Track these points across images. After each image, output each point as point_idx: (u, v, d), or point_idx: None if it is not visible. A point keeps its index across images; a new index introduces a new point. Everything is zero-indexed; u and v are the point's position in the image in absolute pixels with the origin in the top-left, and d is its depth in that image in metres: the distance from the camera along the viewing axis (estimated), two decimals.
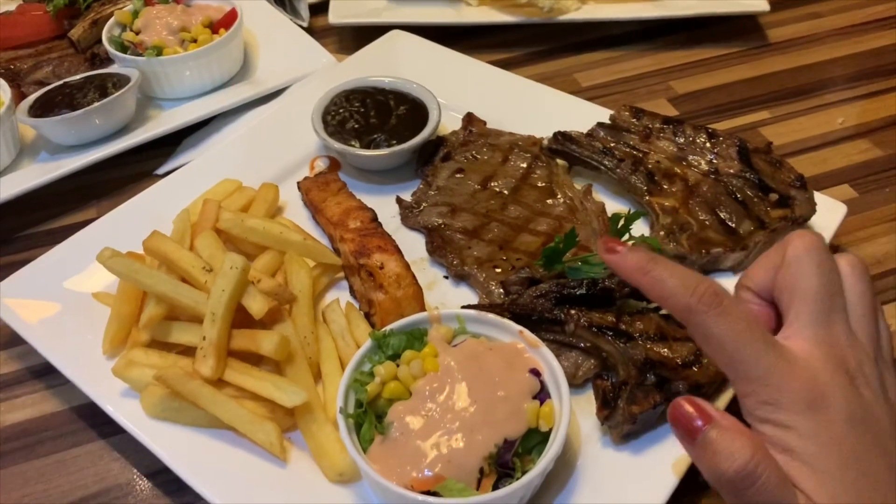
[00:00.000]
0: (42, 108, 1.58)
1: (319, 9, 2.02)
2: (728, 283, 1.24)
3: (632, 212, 1.23)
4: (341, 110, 1.55)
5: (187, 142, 1.66)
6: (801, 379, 0.77)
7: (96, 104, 1.53)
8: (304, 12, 1.99)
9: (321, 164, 1.57)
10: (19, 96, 1.68)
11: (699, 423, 0.77)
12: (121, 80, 1.62)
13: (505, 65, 1.82)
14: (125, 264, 1.17)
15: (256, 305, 1.16)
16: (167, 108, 1.71)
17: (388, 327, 1.11)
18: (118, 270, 1.17)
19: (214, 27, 1.74)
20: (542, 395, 1.04)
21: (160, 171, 1.62)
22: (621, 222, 1.21)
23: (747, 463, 0.75)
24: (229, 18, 1.75)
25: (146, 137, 1.58)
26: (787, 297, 0.84)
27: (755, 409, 0.78)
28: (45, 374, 1.27)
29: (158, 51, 1.67)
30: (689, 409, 0.78)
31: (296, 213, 1.47)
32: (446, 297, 1.33)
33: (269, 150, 1.56)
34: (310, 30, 1.95)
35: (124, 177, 1.61)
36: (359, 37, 1.92)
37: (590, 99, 1.69)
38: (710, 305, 0.79)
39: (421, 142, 1.50)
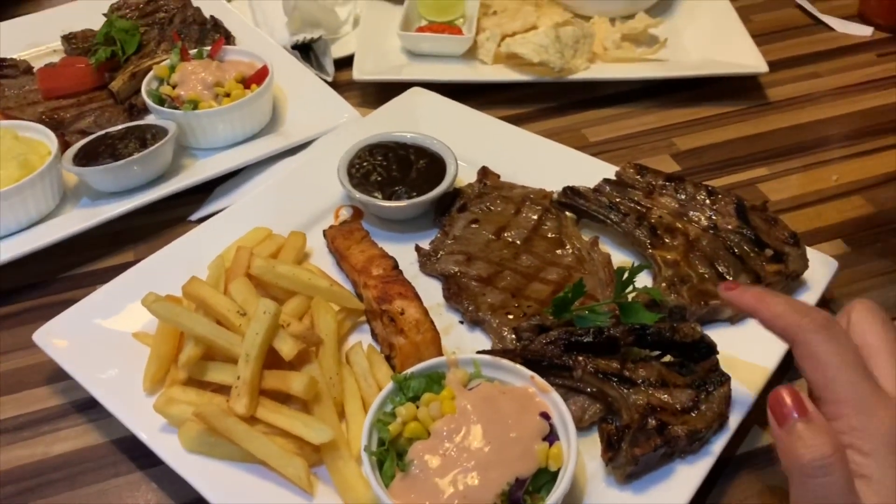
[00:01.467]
0: (85, 157, 1.69)
1: (343, 63, 2.15)
2: (726, 333, 1.34)
3: (635, 265, 1.32)
4: (365, 163, 1.66)
5: (219, 190, 1.77)
6: (892, 416, 0.85)
7: (137, 155, 1.65)
8: (330, 67, 2.11)
9: (345, 213, 1.67)
10: (63, 144, 1.79)
11: (795, 413, 0.86)
12: (159, 132, 1.74)
13: (517, 120, 1.93)
14: (167, 308, 1.27)
15: (287, 348, 1.25)
16: (201, 157, 1.82)
17: (408, 371, 1.20)
18: (161, 314, 1.27)
19: (247, 82, 1.86)
20: (551, 436, 1.12)
21: (193, 217, 1.73)
22: (626, 275, 1.30)
23: (825, 456, 0.82)
24: (261, 75, 1.87)
25: (181, 186, 1.69)
26: (864, 354, 0.92)
27: (843, 431, 0.86)
28: (87, 408, 1.36)
29: (194, 104, 1.78)
30: (788, 399, 0.87)
31: (322, 259, 1.57)
32: (462, 341, 1.42)
33: (296, 200, 1.67)
34: (334, 84, 2.07)
35: (160, 222, 1.71)
36: (380, 91, 2.04)
37: (597, 154, 1.80)
38: (821, 327, 0.88)
39: (439, 194, 1.60)
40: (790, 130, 1.95)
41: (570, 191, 1.60)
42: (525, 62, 2.03)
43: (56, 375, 1.40)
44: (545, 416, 1.14)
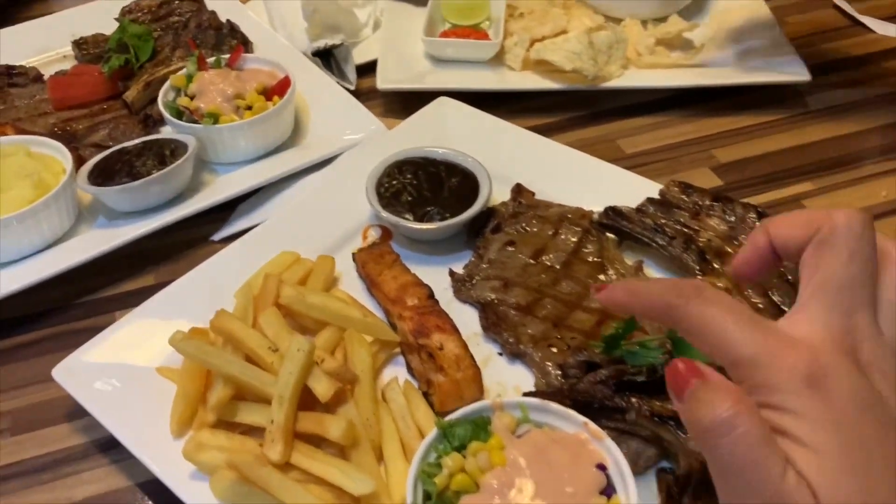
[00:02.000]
0: (101, 176, 1.62)
1: (364, 70, 2.07)
2: None
3: None
4: (394, 182, 1.59)
5: (242, 208, 1.70)
6: (799, 356, 0.70)
7: (156, 174, 1.57)
8: (352, 75, 2.03)
9: (374, 234, 1.60)
10: (77, 159, 1.71)
11: (692, 379, 0.72)
12: (177, 147, 1.66)
13: (546, 130, 1.85)
14: (196, 347, 1.20)
15: (322, 388, 1.18)
16: (221, 172, 1.75)
17: (452, 416, 1.13)
18: (189, 353, 1.20)
19: (268, 94, 1.78)
20: (608, 489, 1.05)
21: (216, 237, 1.65)
22: None
23: (725, 410, 0.69)
24: (283, 86, 1.79)
25: (202, 206, 1.62)
26: (808, 275, 0.78)
27: (751, 392, 0.71)
28: (109, 448, 1.29)
29: (215, 118, 1.71)
30: (683, 367, 0.74)
31: (350, 284, 1.50)
32: (502, 375, 1.34)
33: (322, 220, 1.59)
34: (356, 92, 1.99)
35: (179, 243, 1.64)
36: (405, 99, 1.96)
37: (634, 167, 1.72)
38: (690, 297, 0.75)
39: (472, 216, 1.52)
40: (833, 142, 1.87)
41: (612, 211, 1.52)
42: (555, 69, 1.95)
43: (76, 412, 1.33)
44: (601, 467, 1.07)
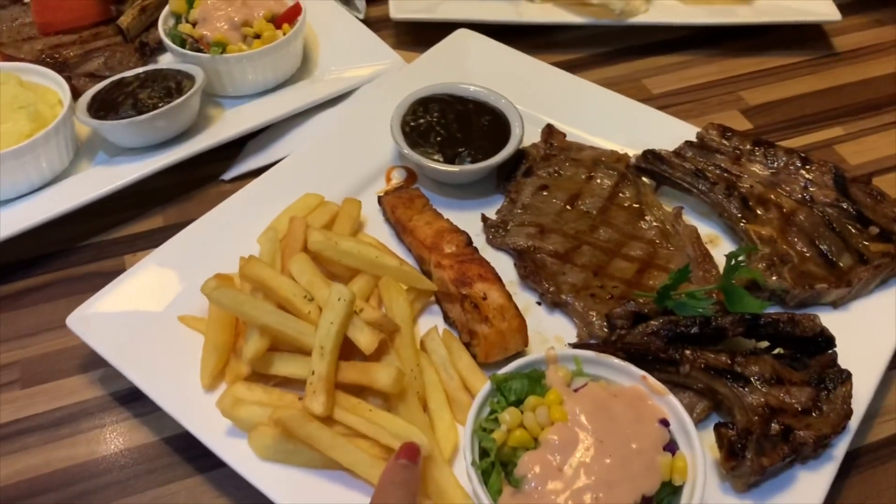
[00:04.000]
0: (101, 107, 1.49)
1: None
2: (829, 319, 1.23)
3: (742, 245, 1.21)
4: (421, 120, 1.49)
5: (251, 146, 1.59)
6: None
7: (163, 107, 1.45)
8: (361, 3, 1.91)
9: (397, 176, 1.51)
10: (70, 89, 1.58)
11: None
12: (183, 79, 1.54)
13: (569, 67, 1.76)
14: (231, 296, 1.11)
15: (365, 339, 1.12)
16: (228, 107, 1.63)
17: (506, 369, 1.08)
18: (224, 303, 1.12)
19: (277, 21, 1.66)
20: (671, 445, 1.02)
21: (226, 176, 1.55)
22: (735, 259, 1.18)
23: None
24: (292, 13, 1.66)
25: (212, 144, 1.51)
26: None
27: None
28: (130, 400, 1.22)
29: (222, 47, 1.58)
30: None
31: (376, 229, 1.42)
32: (541, 324, 1.29)
33: (342, 160, 1.50)
34: (365, 21, 1.87)
35: (187, 181, 1.54)
36: (417, 30, 1.85)
37: (661, 107, 1.65)
38: None
39: (505, 158, 1.45)
40: (862, 85, 1.82)
41: (651, 155, 1.46)
42: (578, 2, 1.85)
43: (90, 362, 1.25)
44: (664, 422, 1.03)
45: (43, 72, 1.53)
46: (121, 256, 1.42)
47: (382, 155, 1.53)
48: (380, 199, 1.44)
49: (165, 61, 1.74)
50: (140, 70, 1.59)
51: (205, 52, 1.59)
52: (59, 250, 1.42)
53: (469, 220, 1.42)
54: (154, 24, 1.76)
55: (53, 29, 1.75)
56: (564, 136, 1.55)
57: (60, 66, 1.65)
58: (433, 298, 1.31)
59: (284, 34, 1.63)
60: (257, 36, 1.63)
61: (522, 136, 1.48)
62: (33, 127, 1.41)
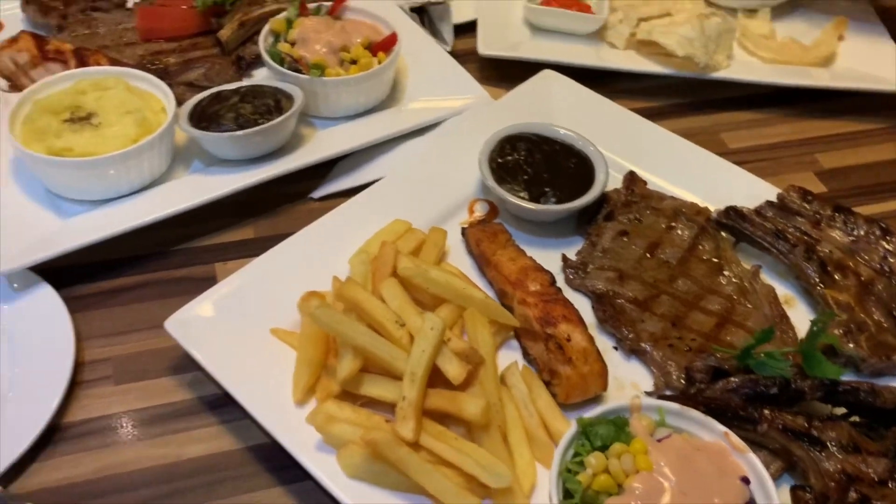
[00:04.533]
0: (202, 119, 1.55)
1: (457, 30, 2.00)
2: None
3: (824, 314, 1.23)
4: (509, 157, 1.54)
5: (340, 166, 1.64)
6: None
7: (265, 125, 1.51)
8: (449, 36, 1.96)
9: (480, 209, 1.56)
10: None
11: None
12: (282, 98, 1.60)
13: (647, 114, 1.79)
14: (330, 316, 1.16)
15: (454, 369, 1.16)
16: (320, 127, 1.69)
17: (591, 414, 1.11)
18: (323, 321, 1.16)
19: (373, 49, 1.71)
20: None
21: (315, 195, 1.60)
22: (820, 325, 1.21)
23: None
24: (388, 42, 1.72)
25: (306, 163, 1.56)
26: None
27: None
28: (218, 406, 1.26)
29: (321, 70, 1.64)
30: None
31: (458, 258, 1.47)
32: (617, 370, 1.32)
33: (428, 189, 1.54)
34: (452, 53, 1.92)
35: (278, 196, 1.59)
36: (501, 65, 1.90)
37: (737, 163, 1.68)
38: None
39: (590, 202, 1.48)
40: None
41: (733, 212, 1.49)
42: (661, 51, 1.89)
43: (181, 365, 1.30)
44: (745, 480, 1.06)
45: (149, 78, 1.59)
46: (211, 264, 1.47)
47: (466, 187, 1.57)
48: (464, 231, 1.48)
49: (259, 76, 1.80)
50: (239, 84, 1.65)
51: (303, 73, 1.64)
52: (153, 253, 1.48)
53: (548, 258, 1.45)
54: (250, 39, 1.83)
55: (154, 36, 1.82)
56: (645, 183, 1.59)
57: (161, 73, 1.71)
58: (513, 333, 1.35)
59: (380, 62, 1.69)
60: (353, 61, 1.68)
61: (607, 182, 1.51)
62: (139, 132, 1.47)
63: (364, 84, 1.67)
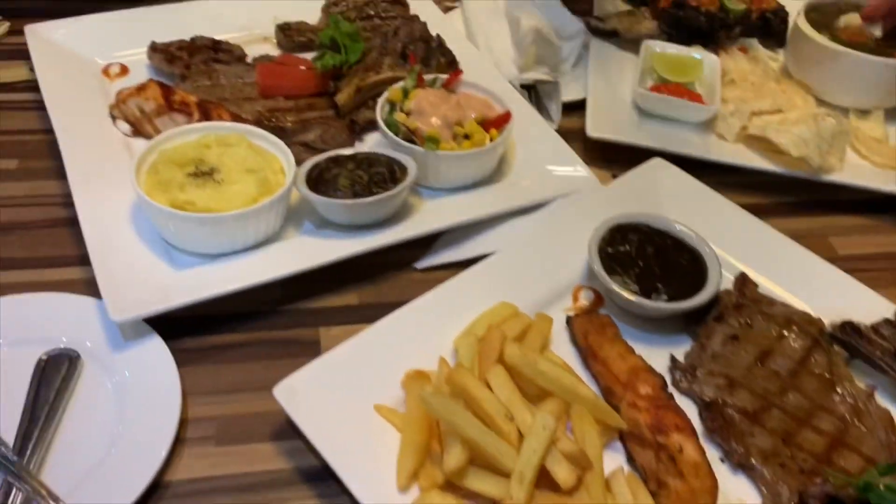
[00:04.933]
0: (318, 182, 1.58)
1: (564, 108, 2.01)
2: None
3: None
4: (620, 247, 1.52)
5: (445, 238, 1.65)
6: None
7: (380, 196, 1.53)
8: (556, 114, 1.97)
9: (584, 297, 1.54)
10: None
11: None
12: (395, 167, 1.62)
13: (753, 210, 1.75)
14: (444, 404, 1.15)
15: (564, 474, 1.13)
16: (427, 197, 1.70)
17: None
18: (436, 408, 1.15)
19: (486, 125, 1.73)
20: None
21: (419, 265, 1.61)
22: None
23: None
24: (502, 120, 1.73)
25: (415, 234, 1.58)
26: None
27: None
28: (316, 479, 1.25)
29: (435, 143, 1.66)
30: None
31: (560, 346, 1.44)
32: (725, 484, 1.27)
33: (532, 271, 1.54)
34: (558, 130, 1.93)
35: (383, 263, 1.59)
36: (607, 147, 1.89)
37: (847, 270, 1.63)
38: None
39: (703, 303, 1.45)
40: None
41: (849, 327, 1.44)
42: (771, 148, 1.87)
43: (283, 431, 1.30)
44: None
45: (270, 138, 1.63)
46: (316, 328, 1.48)
47: (571, 272, 1.56)
48: (569, 320, 1.47)
49: (371, 141, 1.83)
50: (355, 150, 1.67)
51: (418, 145, 1.66)
52: (258, 311, 1.49)
53: (653, 354, 1.42)
54: (365, 104, 1.87)
55: (273, 93, 1.86)
56: (757, 286, 1.55)
57: (278, 131, 1.76)
58: (617, 435, 1.31)
59: (492, 139, 1.70)
60: (467, 136, 1.70)
61: (720, 285, 1.48)
62: (259, 192, 1.50)
63: (476, 159, 1.68)
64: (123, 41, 1.99)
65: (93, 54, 1.95)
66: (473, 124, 1.71)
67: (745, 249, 1.63)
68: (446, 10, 2.35)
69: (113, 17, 2.03)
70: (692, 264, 1.52)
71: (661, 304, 1.44)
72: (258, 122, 1.78)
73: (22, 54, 1.95)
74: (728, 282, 1.56)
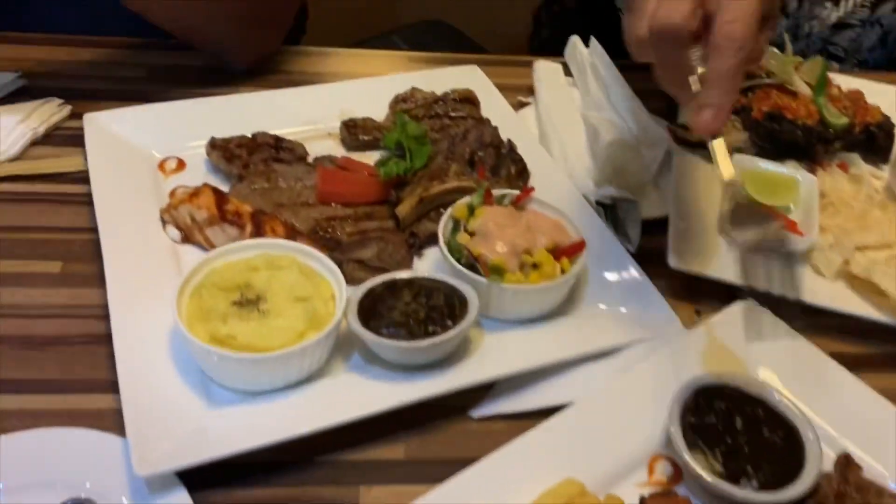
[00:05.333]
0: (372, 313, 1.45)
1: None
2: None
3: None
4: (704, 416, 1.34)
5: (504, 383, 1.49)
6: None
7: (436, 338, 1.39)
8: (635, 236, 1.80)
9: (660, 470, 1.36)
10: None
11: None
12: (455, 301, 1.47)
13: (850, 362, 1.54)
14: None
15: None
16: (487, 329, 1.55)
17: None
18: None
19: (556, 253, 1.58)
20: None
21: (474, 414, 1.45)
22: None
23: None
24: (574, 249, 1.58)
25: (474, 381, 1.42)
26: None
27: None
28: None
29: (501, 275, 1.51)
30: None
31: None
32: None
33: (602, 436, 1.36)
34: (636, 255, 1.76)
35: (433, 409, 1.44)
36: (687, 277, 1.72)
37: None
38: None
39: (799, 495, 1.26)
40: None
41: None
42: (875, 291, 1.66)
43: None
44: None
45: (323, 259, 1.51)
46: (356, 486, 1.33)
47: (646, 440, 1.38)
48: (643, 502, 1.29)
49: (430, 256, 1.71)
50: (413, 275, 1.54)
51: (481, 273, 1.52)
52: (295, 460, 1.36)
53: None
54: (426, 215, 1.75)
55: (332, 200, 1.76)
56: (861, 470, 1.34)
57: (333, 243, 1.65)
58: None
59: (563, 270, 1.55)
60: (535, 265, 1.55)
61: (819, 473, 1.29)
62: (307, 326, 1.38)
63: (544, 294, 1.53)
64: (183, 132, 1.92)
65: (150, 146, 1.88)
66: (543, 253, 1.56)
67: (846, 419, 1.43)
68: (519, 105, 2.23)
69: (176, 107, 1.97)
70: (788, 442, 1.32)
71: (749, 494, 1.25)
72: (313, 232, 1.67)
73: (82, 141, 1.89)
74: (828, 460, 1.35)
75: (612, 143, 1.87)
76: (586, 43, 2.32)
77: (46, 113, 1.95)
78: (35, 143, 1.92)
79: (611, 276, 1.67)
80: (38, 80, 2.11)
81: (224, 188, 1.80)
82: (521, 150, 1.93)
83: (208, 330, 1.36)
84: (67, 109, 2.00)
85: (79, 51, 2.25)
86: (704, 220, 1.85)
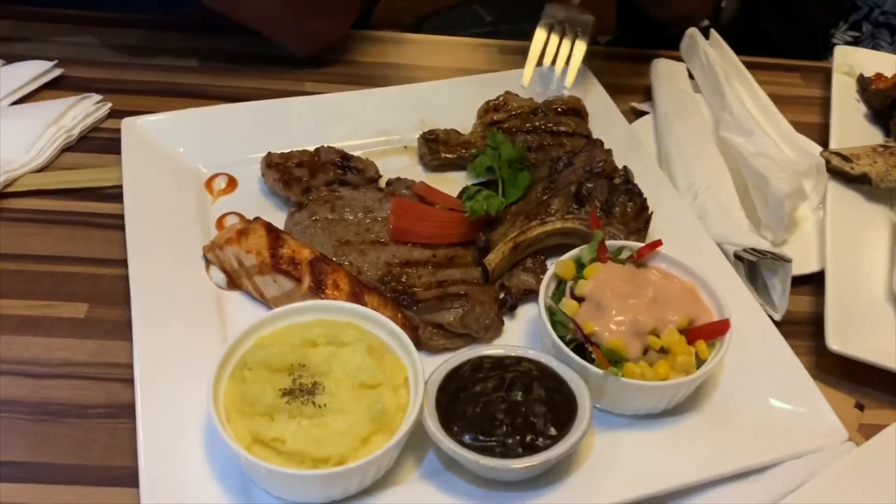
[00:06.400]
0: (453, 410, 1.14)
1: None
2: None
3: None
4: None
5: None
6: None
7: (537, 461, 1.08)
8: (782, 301, 1.44)
9: None
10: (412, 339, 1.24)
11: None
12: (556, 396, 1.16)
13: None
14: None
15: None
16: (595, 422, 1.22)
17: None
18: None
19: (690, 333, 1.24)
20: None
21: None
22: None
23: None
24: (715, 330, 1.24)
25: None
26: None
27: None
28: None
29: (617, 360, 1.19)
30: None
31: None
32: None
33: None
34: (779, 324, 1.41)
35: None
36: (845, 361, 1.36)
37: None
38: None
39: None
40: None
41: None
42: None
43: None
44: None
45: (393, 331, 1.21)
46: None
47: None
48: None
49: (524, 318, 1.39)
50: (506, 353, 1.22)
51: (593, 359, 1.20)
52: None
53: None
54: (520, 263, 1.43)
55: (407, 239, 1.45)
56: None
57: (406, 299, 1.35)
58: None
59: (700, 357, 1.21)
60: (662, 349, 1.22)
61: None
62: (372, 429, 1.09)
63: (673, 391, 1.20)
64: (237, 143, 1.63)
65: (198, 160, 1.60)
66: (675, 335, 1.22)
67: None
68: (633, 114, 1.86)
69: (228, 112, 1.67)
70: None
71: None
72: (383, 282, 1.38)
73: (120, 146, 1.62)
74: None
75: (793, 192, 1.49)
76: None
77: (82, 112, 1.68)
78: (67, 147, 1.66)
79: (754, 363, 1.32)
80: (76, 69, 1.84)
81: (281, 213, 1.52)
82: (638, 178, 1.56)
83: (251, 429, 1.08)
84: (106, 108, 1.73)
85: (122, 32, 1.98)
86: (870, 280, 1.48)
